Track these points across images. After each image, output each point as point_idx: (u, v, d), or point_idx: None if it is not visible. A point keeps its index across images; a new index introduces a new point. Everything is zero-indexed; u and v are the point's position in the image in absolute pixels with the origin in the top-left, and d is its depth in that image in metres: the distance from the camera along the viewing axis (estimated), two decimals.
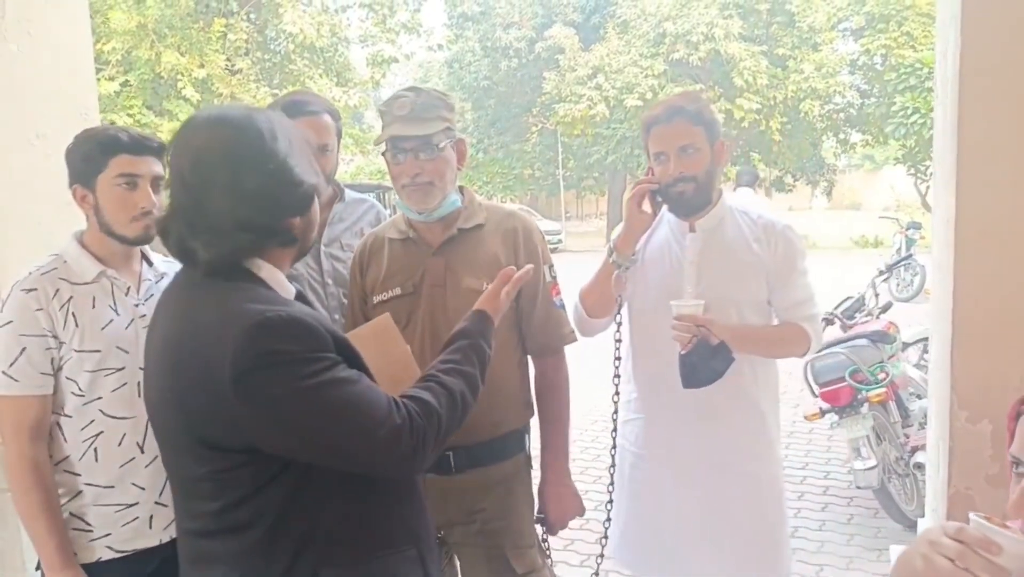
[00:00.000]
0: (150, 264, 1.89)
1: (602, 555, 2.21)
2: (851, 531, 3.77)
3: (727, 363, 1.91)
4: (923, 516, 2.62)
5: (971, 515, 0.99)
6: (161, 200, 1.78)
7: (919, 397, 3.95)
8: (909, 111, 15.98)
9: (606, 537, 2.18)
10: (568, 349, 2.05)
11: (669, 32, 20.46)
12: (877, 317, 4.33)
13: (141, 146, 1.76)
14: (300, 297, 1.35)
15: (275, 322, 1.15)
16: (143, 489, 1.76)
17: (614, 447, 2.15)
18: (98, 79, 11.71)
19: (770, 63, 20.52)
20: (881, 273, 5.14)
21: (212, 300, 1.20)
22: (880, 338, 3.94)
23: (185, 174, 1.20)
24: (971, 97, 2.02)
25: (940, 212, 2.21)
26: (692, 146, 1.94)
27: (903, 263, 9.31)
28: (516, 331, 1.93)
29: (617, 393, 2.13)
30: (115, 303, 1.77)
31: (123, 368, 1.74)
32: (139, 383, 1.69)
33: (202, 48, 13.86)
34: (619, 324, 2.12)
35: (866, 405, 3.70)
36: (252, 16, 15.37)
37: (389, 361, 1.48)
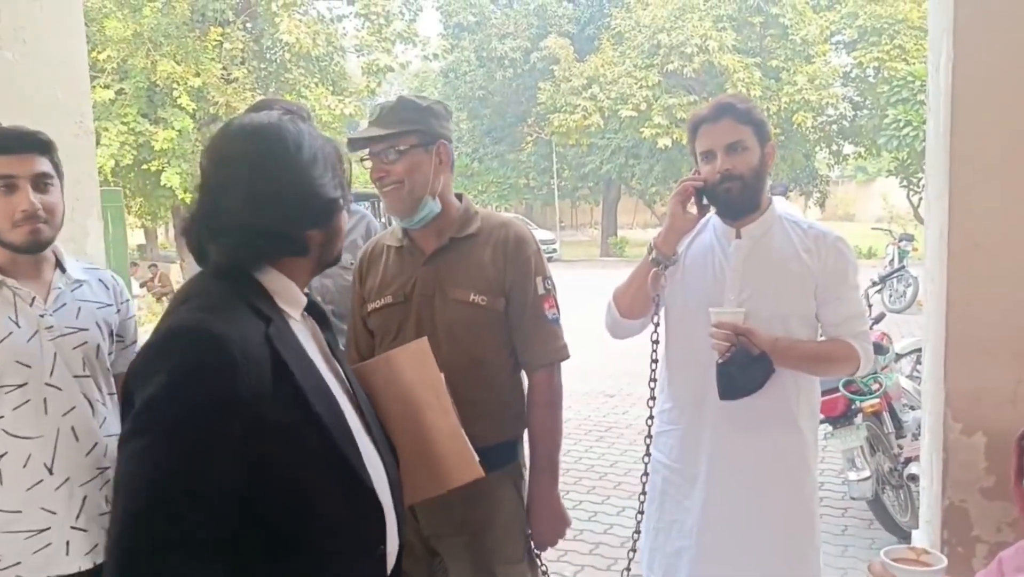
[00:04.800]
0: (64, 271, 1.75)
1: (628, 569, 2.14)
2: (845, 542, 3.76)
3: (767, 375, 1.83)
4: (917, 528, 2.61)
5: (881, 553, 1.24)
6: (49, 200, 1.65)
7: (912, 408, 3.94)
8: (901, 123, 16.07)
9: (634, 550, 2.10)
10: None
11: (663, 44, 20.54)
12: (871, 328, 4.33)
13: (15, 143, 1.62)
14: (313, 307, 1.32)
15: (179, 332, 1.09)
16: (54, 513, 1.62)
17: (647, 454, 2.06)
18: (93, 87, 11.69)
19: (763, 75, 20.62)
20: (874, 284, 5.15)
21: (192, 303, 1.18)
22: (874, 349, 3.93)
23: (208, 178, 1.21)
24: (963, 109, 2.03)
25: (932, 223, 2.21)
26: (741, 144, 1.89)
27: (896, 274, 9.35)
28: (508, 343, 1.87)
29: (653, 398, 2.06)
30: (16, 314, 1.64)
31: (25, 384, 1.61)
32: (45, 399, 1.62)
33: (198, 57, 13.87)
34: (656, 325, 2.04)
35: (860, 416, 3.69)
36: (248, 25, 15.39)
37: (423, 386, 1.48)
